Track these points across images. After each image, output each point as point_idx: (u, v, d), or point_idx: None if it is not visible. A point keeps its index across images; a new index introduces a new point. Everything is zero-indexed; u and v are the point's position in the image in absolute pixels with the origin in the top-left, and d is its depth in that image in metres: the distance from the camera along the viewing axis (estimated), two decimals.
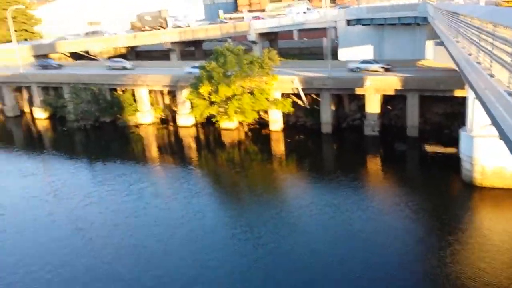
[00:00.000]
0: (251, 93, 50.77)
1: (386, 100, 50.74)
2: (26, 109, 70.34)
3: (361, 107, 50.72)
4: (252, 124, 54.26)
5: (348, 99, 52.84)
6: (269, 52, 53.12)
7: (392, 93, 48.28)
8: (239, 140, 53.20)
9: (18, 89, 70.84)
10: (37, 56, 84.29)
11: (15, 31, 78.24)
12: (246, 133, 54.26)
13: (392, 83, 47.66)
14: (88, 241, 31.75)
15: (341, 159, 47.33)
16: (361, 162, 44.90)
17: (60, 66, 74.01)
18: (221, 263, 28.24)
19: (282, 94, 52.55)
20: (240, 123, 54.48)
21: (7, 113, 69.88)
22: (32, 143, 61.10)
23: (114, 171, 45.16)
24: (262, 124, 54.48)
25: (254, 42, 75.17)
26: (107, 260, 29.29)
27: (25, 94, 70.19)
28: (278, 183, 42.34)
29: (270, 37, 79.50)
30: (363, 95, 49.26)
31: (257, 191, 40.05)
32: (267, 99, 50.65)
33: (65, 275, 27.94)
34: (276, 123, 53.25)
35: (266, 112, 53.42)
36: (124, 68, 67.90)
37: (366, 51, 65.85)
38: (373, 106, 48.80)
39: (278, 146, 51.05)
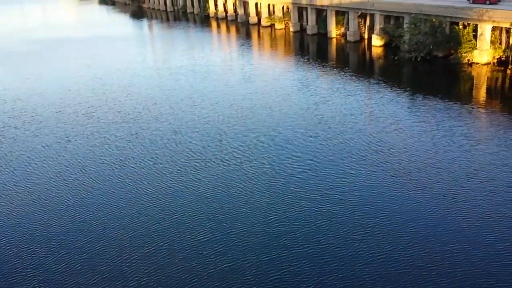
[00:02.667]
0: None
1: None
2: (365, 35, 74.27)
3: None
4: None
5: None
6: None
7: None
8: None
9: (362, 16, 74.56)
10: None
11: None
12: None
13: None
14: (379, 160, 32.03)
15: None
16: None
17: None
18: None
19: None
20: None
21: (348, 37, 75.29)
22: (363, 67, 64.20)
23: (433, 106, 42.97)
24: None
25: None
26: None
27: (367, 21, 73.55)
28: None
29: None
30: None
31: None
32: None
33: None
34: None
35: None
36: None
37: None
38: None
39: None
